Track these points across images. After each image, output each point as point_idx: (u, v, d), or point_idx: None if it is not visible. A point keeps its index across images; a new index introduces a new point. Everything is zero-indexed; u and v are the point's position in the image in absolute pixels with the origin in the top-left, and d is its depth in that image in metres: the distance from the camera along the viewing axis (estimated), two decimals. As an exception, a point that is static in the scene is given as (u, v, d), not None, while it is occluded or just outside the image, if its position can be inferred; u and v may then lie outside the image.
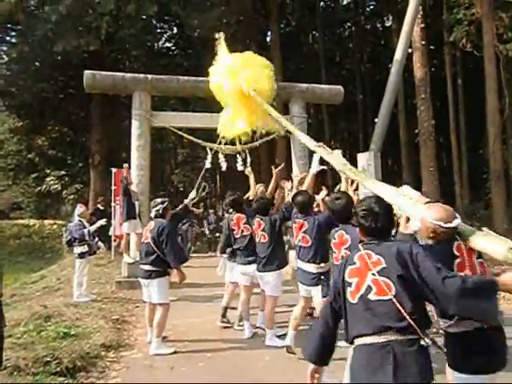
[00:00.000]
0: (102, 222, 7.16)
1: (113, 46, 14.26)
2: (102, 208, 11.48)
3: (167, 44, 19.61)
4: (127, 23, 13.39)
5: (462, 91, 16.35)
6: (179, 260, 4.55)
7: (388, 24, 21.41)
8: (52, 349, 4.04)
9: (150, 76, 8.60)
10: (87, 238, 6.70)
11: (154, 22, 17.14)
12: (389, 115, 9.75)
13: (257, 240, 4.78)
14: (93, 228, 6.91)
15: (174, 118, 9.17)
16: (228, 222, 5.19)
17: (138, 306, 6.38)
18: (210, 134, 15.77)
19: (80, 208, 7.11)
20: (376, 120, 9.66)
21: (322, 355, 2.14)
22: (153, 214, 4.77)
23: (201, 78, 8.98)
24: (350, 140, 25.52)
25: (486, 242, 2.22)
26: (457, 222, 2.33)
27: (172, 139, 23.96)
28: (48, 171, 16.04)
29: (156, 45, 18.39)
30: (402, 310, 1.86)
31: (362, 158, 8.76)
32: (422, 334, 1.85)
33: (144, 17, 14.50)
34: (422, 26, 12.56)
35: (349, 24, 23.10)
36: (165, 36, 18.93)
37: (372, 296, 1.94)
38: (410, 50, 11.65)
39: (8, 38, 15.80)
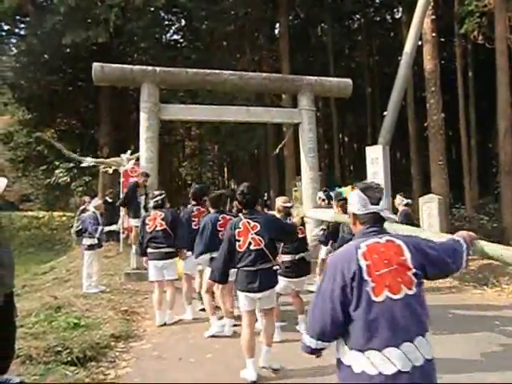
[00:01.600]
0: (115, 227, 7.20)
1: (121, 39, 14.26)
2: (110, 200, 11.55)
3: (175, 36, 19.58)
4: (135, 15, 13.39)
5: (473, 84, 16.13)
6: (187, 242, 5.16)
7: (398, 16, 21.13)
8: (63, 339, 4.10)
9: (158, 68, 8.60)
10: (98, 235, 6.71)
11: (162, 14, 17.10)
12: (398, 108, 9.65)
13: None
14: (106, 229, 6.98)
15: (182, 111, 9.17)
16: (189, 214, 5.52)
17: (146, 298, 6.44)
18: (218, 127, 15.86)
19: (98, 200, 7.18)
20: (385, 113, 9.57)
21: (226, 275, 3.71)
22: (152, 205, 5.43)
23: (209, 71, 8.98)
24: (358, 133, 25.36)
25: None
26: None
27: (180, 132, 23.99)
28: (57, 163, 16.15)
29: (164, 37, 18.36)
30: (268, 254, 3.57)
31: (370, 151, 8.74)
32: (274, 262, 3.67)
33: (152, 9, 14.47)
34: (433, 17, 12.37)
35: (358, 16, 22.82)
36: (173, 28, 18.88)
37: (252, 247, 3.55)
38: (419, 42, 11.50)
39: (17, 31, 15.84)
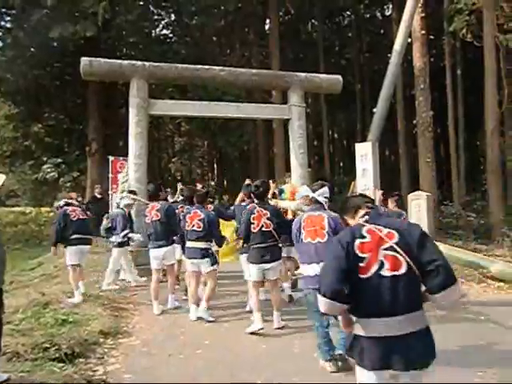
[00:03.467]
0: (139, 236, 6.89)
1: (110, 33, 14.09)
2: (99, 196, 11.45)
3: (165, 31, 19.45)
4: (124, 9, 13.26)
5: (461, 82, 16.29)
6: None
7: (388, 13, 21.24)
8: (50, 335, 4.07)
9: (147, 63, 8.53)
10: (120, 238, 6.73)
11: (151, 8, 16.95)
12: (387, 105, 9.70)
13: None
14: (130, 235, 6.85)
15: (172, 107, 9.11)
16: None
17: (135, 294, 6.41)
18: (208, 123, 15.80)
19: (128, 200, 7.02)
20: (374, 110, 9.62)
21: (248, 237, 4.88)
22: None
23: (198, 66, 8.93)
24: (347, 130, 25.47)
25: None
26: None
27: (170, 127, 23.85)
28: (44, 159, 15.93)
29: (153, 32, 18.19)
30: (274, 233, 4.66)
31: (360, 147, 8.77)
32: (279, 240, 4.77)
33: (141, 3, 14.34)
34: (423, 15, 12.44)
35: (348, 13, 22.87)
36: (162, 23, 18.75)
37: (264, 229, 4.65)
38: (409, 40, 11.56)
39: (2, 23, 15.57)
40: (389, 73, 9.39)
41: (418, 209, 8.65)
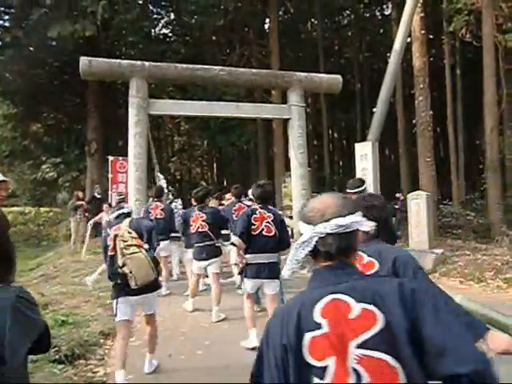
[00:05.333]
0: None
1: (109, 32, 14.06)
2: (98, 196, 11.44)
3: (164, 30, 19.37)
4: (123, 8, 13.20)
5: (460, 82, 16.30)
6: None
7: (387, 12, 21.21)
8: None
9: (147, 63, 8.51)
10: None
11: (151, 7, 16.90)
12: (387, 105, 9.71)
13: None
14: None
15: (172, 106, 9.11)
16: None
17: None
18: (207, 122, 15.78)
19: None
20: (374, 110, 9.63)
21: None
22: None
23: (198, 66, 8.91)
24: (347, 129, 25.45)
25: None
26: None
27: (169, 127, 23.81)
28: (43, 158, 15.89)
29: (153, 31, 18.15)
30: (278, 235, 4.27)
31: (359, 147, 8.79)
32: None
33: (140, 2, 14.30)
34: (422, 15, 12.43)
35: (348, 12, 22.84)
36: (162, 22, 18.68)
37: (264, 233, 4.17)
38: (408, 40, 11.56)
39: (1, 22, 15.50)
40: (388, 72, 9.40)
41: (418, 208, 8.67)
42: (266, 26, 19.81)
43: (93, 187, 12.76)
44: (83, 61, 8.09)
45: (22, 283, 7.25)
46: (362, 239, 1.36)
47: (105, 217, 8.37)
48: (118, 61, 8.69)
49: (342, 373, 1.05)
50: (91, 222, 9.38)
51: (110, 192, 9.91)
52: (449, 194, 15.53)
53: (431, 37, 16.98)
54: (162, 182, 7.94)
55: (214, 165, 29.08)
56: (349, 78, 20.89)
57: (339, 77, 9.78)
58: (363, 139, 11.61)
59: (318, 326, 1.09)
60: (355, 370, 1.04)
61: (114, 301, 3.51)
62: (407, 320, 1.05)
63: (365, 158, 8.41)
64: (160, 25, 18.72)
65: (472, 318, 1.56)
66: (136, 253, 3.43)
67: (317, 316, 1.11)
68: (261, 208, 4.25)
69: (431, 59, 16.73)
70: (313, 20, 22.39)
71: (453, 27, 13.22)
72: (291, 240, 4.73)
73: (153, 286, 3.58)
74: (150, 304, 3.69)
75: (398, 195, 12.78)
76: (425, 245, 8.41)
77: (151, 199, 7.00)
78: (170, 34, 19.27)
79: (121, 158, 9.96)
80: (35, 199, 21.21)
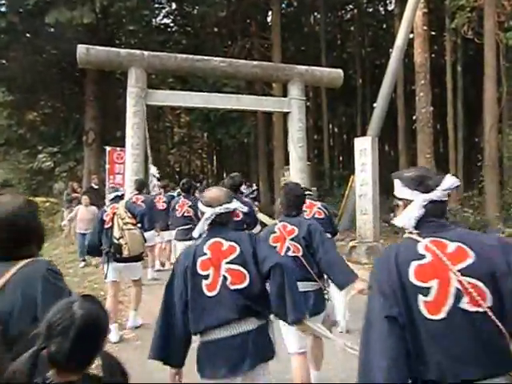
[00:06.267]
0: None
1: (108, 20, 13.88)
2: (95, 187, 11.35)
3: (165, 20, 19.15)
4: (123, -4, 13.00)
5: (461, 79, 16.22)
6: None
7: (390, 8, 21.05)
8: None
9: (146, 52, 8.40)
10: None
11: (152, -4, 16.69)
12: (387, 100, 9.66)
13: None
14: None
15: (170, 97, 9.02)
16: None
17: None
18: (207, 114, 15.67)
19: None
20: (375, 105, 9.57)
21: None
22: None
23: (199, 57, 8.81)
24: (347, 124, 25.36)
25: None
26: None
27: (169, 119, 23.67)
28: (40, 148, 15.75)
29: (154, 20, 17.90)
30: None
31: (359, 142, 8.73)
32: None
33: (141, -10, 14.06)
34: (425, 11, 12.34)
35: (351, 6, 22.67)
36: (163, 11, 18.47)
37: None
38: (411, 36, 11.47)
39: (-2, 7, 15.25)
40: (390, 68, 9.33)
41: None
42: (269, 19, 19.64)
43: (90, 177, 12.66)
44: (80, 49, 7.98)
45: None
46: (280, 212, 2.98)
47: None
48: (117, 49, 8.58)
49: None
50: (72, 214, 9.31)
51: (107, 183, 9.82)
52: (447, 191, 15.48)
53: (433, 33, 16.87)
54: (153, 170, 8.23)
55: (214, 157, 28.99)
56: (350, 73, 20.77)
57: (340, 71, 9.70)
58: (363, 134, 11.56)
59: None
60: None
61: (105, 265, 4.41)
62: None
63: (364, 153, 8.35)
64: (161, 14, 18.52)
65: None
66: (132, 229, 4.38)
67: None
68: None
69: (433, 56, 16.64)
70: (316, 14, 22.22)
71: (455, 24, 13.12)
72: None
73: (137, 257, 4.56)
74: (135, 270, 4.69)
75: None
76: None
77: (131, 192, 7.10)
78: (172, 24, 19.07)
79: (118, 149, 9.85)
80: (31, 189, 21.07)
